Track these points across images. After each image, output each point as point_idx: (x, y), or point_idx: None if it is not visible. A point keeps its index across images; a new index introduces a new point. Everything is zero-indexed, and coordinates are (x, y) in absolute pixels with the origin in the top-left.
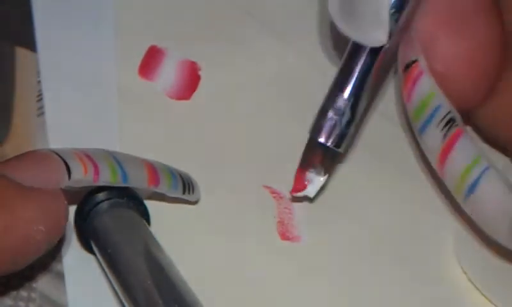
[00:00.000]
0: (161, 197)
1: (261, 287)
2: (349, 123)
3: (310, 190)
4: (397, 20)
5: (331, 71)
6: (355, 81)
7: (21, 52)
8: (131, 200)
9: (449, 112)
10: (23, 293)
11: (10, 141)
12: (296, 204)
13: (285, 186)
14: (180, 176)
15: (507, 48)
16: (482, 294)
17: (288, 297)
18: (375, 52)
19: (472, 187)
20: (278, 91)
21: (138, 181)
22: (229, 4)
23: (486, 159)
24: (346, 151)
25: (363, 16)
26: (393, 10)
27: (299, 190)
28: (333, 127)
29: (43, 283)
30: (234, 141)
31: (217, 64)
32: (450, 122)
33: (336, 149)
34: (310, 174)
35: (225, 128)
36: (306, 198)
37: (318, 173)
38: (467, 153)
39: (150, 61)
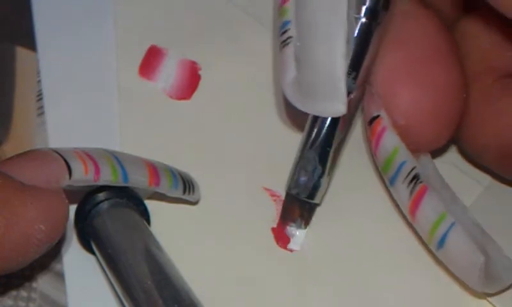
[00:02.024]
0: (161, 197)
1: (261, 287)
2: (320, 176)
3: (294, 244)
4: (355, 78)
5: None
6: (322, 138)
7: (21, 52)
8: (131, 200)
9: (414, 168)
10: (23, 293)
11: (10, 141)
12: None
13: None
14: (181, 176)
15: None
16: (482, 295)
17: (288, 296)
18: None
19: (441, 242)
20: (278, 91)
21: (139, 181)
22: (229, 4)
23: (451, 214)
24: (321, 201)
25: (319, 92)
26: (350, 70)
27: (284, 246)
28: (307, 182)
29: (43, 283)
30: (234, 141)
31: (217, 64)
32: (415, 178)
33: (312, 201)
34: (291, 229)
35: (225, 128)
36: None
37: (298, 226)
38: (433, 210)
39: (150, 60)
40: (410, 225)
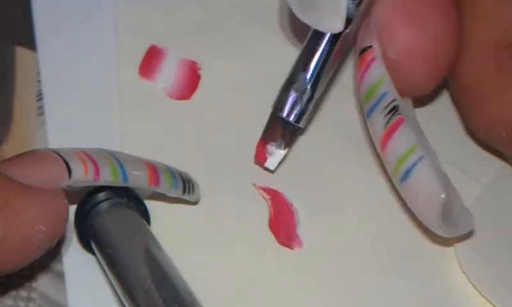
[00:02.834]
0: (161, 197)
1: (261, 287)
2: (309, 100)
3: (271, 163)
4: (358, 5)
5: None
6: (316, 62)
7: (21, 52)
8: (131, 200)
9: (394, 100)
10: (23, 293)
11: (10, 141)
12: (295, 206)
13: (285, 187)
14: (181, 176)
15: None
16: (482, 295)
17: (288, 296)
18: (336, 36)
19: (406, 174)
20: (278, 91)
21: (139, 181)
22: (229, 4)
23: (424, 149)
24: (306, 126)
25: (320, 5)
26: None
27: (260, 162)
28: (294, 103)
29: (43, 282)
30: (234, 141)
31: (217, 64)
32: (394, 110)
33: (296, 124)
34: (270, 148)
35: (225, 128)
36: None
37: (278, 147)
38: (405, 141)
39: (150, 60)
40: (412, 222)
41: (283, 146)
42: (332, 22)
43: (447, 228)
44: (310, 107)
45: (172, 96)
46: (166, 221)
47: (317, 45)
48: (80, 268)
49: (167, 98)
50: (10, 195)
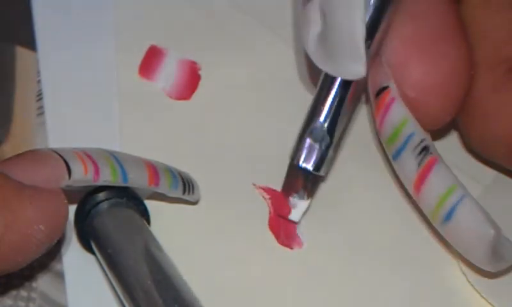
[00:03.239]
0: (161, 197)
1: (261, 287)
2: (327, 146)
3: (295, 215)
4: (368, 47)
5: None
6: (330, 106)
7: (21, 52)
8: (131, 200)
9: (423, 140)
10: (23, 293)
11: (10, 141)
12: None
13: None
14: (180, 176)
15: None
16: (482, 297)
17: (288, 296)
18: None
19: (448, 216)
20: (278, 91)
21: (138, 181)
22: (229, 4)
23: (461, 187)
24: (326, 173)
25: (341, 52)
26: (365, 38)
27: (284, 215)
28: (312, 151)
29: (43, 282)
30: (234, 141)
31: (217, 64)
32: (425, 150)
33: (316, 172)
34: (293, 200)
35: (225, 128)
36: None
37: (301, 197)
38: (442, 182)
39: (150, 60)
40: (412, 223)
41: (305, 196)
42: (354, 68)
43: (495, 263)
44: (329, 153)
45: (172, 96)
46: (166, 221)
47: (330, 90)
48: (80, 268)
49: (167, 98)
50: (10, 194)
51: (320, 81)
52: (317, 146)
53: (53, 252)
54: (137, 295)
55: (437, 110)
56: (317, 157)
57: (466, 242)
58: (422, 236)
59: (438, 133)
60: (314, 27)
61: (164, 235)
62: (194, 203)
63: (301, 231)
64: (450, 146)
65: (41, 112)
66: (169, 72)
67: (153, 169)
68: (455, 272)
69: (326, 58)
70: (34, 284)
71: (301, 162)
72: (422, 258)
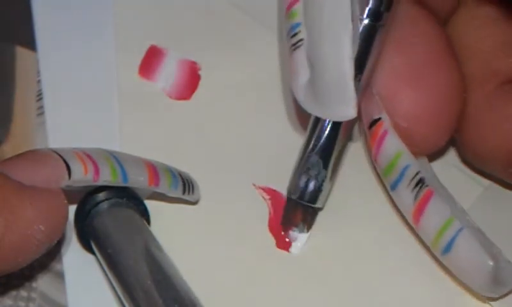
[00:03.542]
0: (161, 197)
1: (261, 287)
2: (323, 179)
3: (296, 248)
4: (359, 80)
5: None
6: (324, 141)
7: (21, 52)
8: (131, 200)
9: (418, 172)
10: (23, 293)
11: (10, 141)
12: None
13: (285, 187)
14: (180, 176)
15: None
16: (482, 296)
17: (288, 296)
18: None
19: (447, 248)
20: (278, 91)
21: (138, 181)
22: (229, 4)
23: (459, 219)
24: (323, 205)
25: (330, 96)
26: (355, 72)
27: (285, 249)
28: (309, 185)
29: (43, 282)
30: (234, 141)
31: (217, 64)
32: (420, 182)
33: (314, 206)
34: (293, 234)
35: (225, 128)
36: None
37: (301, 231)
38: (439, 215)
39: (150, 61)
40: (411, 229)
41: (305, 229)
42: (344, 111)
43: (497, 289)
44: (326, 186)
45: (172, 96)
46: (166, 221)
47: (323, 125)
48: (80, 268)
49: (167, 98)
50: (10, 194)
51: (313, 117)
52: (313, 180)
53: (53, 253)
54: (137, 295)
55: (430, 138)
56: (313, 190)
57: (467, 273)
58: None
59: None
60: (302, 75)
61: (164, 235)
62: (194, 203)
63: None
64: (450, 148)
65: (41, 112)
66: (169, 72)
67: (153, 169)
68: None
69: (316, 102)
70: (34, 285)
71: (298, 197)
72: (421, 261)
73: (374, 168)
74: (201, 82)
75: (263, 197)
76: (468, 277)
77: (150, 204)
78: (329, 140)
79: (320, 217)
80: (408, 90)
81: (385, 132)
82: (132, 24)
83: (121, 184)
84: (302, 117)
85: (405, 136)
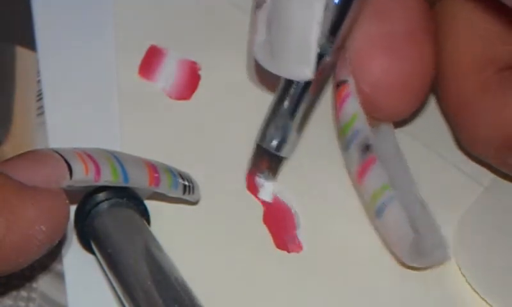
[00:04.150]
0: (161, 197)
1: (261, 286)
2: (290, 131)
3: (264, 195)
4: (332, 42)
5: None
6: (294, 95)
7: (21, 52)
8: (131, 200)
9: (366, 138)
10: (23, 293)
11: (10, 141)
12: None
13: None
14: (181, 176)
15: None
16: (481, 297)
17: (288, 296)
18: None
19: (379, 212)
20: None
21: (139, 181)
22: (229, 4)
23: (393, 189)
24: (289, 155)
25: (289, 55)
26: (328, 35)
27: (253, 194)
28: (276, 134)
29: (43, 283)
30: (234, 141)
31: (217, 64)
32: (366, 148)
33: (279, 154)
34: (259, 180)
35: (225, 128)
36: None
37: (266, 178)
38: (377, 179)
39: (150, 61)
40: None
41: (270, 176)
42: (302, 72)
43: (419, 260)
44: (292, 136)
45: (172, 96)
46: (166, 221)
47: (293, 86)
48: (80, 268)
49: (167, 98)
50: (11, 195)
51: (280, 84)
52: (279, 130)
53: (53, 253)
54: (137, 295)
55: (391, 107)
56: (280, 140)
57: (392, 240)
58: None
59: (438, 133)
60: (261, 34)
61: (164, 235)
62: (195, 203)
63: (301, 234)
64: (451, 147)
65: (41, 112)
66: (169, 72)
67: (154, 169)
68: (454, 271)
69: (275, 61)
70: (34, 285)
71: (265, 144)
72: None
73: None
74: (201, 82)
75: (255, 196)
76: (394, 245)
77: (150, 204)
78: (298, 96)
79: (320, 218)
80: (376, 57)
81: (347, 94)
82: (132, 24)
83: (122, 184)
84: (262, 75)
85: (366, 102)
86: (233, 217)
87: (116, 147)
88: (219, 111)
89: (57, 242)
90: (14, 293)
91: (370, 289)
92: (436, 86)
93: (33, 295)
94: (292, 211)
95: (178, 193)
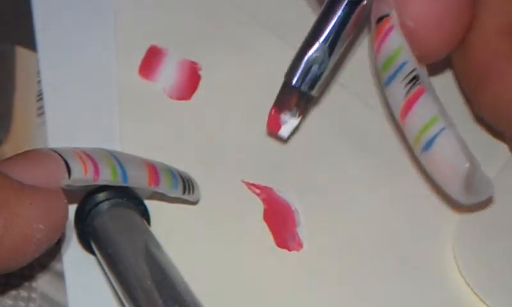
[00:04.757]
0: (161, 197)
1: (261, 286)
2: (323, 68)
3: (284, 132)
4: None
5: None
6: (331, 29)
7: (21, 52)
8: (131, 200)
9: (414, 70)
10: (23, 293)
11: (10, 141)
12: (298, 207)
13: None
14: (180, 176)
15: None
16: (481, 300)
17: (288, 296)
18: (353, 4)
19: (428, 144)
20: (278, 91)
21: (138, 180)
22: (229, 4)
23: (445, 119)
24: (320, 94)
25: None
26: None
27: (274, 131)
28: (308, 71)
29: (43, 282)
30: (234, 141)
31: (217, 64)
32: (414, 79)
33: (310, 92)
34: (284, 116)
35: (225, 128)
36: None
37: (292, 115)
38: (427, 111)
39: (150, 61)
40: (411, 225)
41: (297, 114)
42: None
43: (468, 195)
44: (324, 74)
45: (172, 96)
46: (166, 221)
47: (334, 11)
48: (80, 268)
49: (167, 98)
50: (10, 194)
51: (325, 3)
52: (315, 66)
53: (53, 252)
54: (137, 295)
55: (433, 43)
56: (312, 77)
57: (442, 172)
58: (422, 239)
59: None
60: None
61: (164, 235)
62: (195, 202)
63: (301, 231)
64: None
65: (41, 112)
66: (169, 72)
67: (153, 169)
68: (453, 273)
69: None
70: (34, 284)
71: (295, 81)
72: (422, 260)
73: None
74: (201, 82)
75: (254, 192)
76: (442, 177)
77: (150, 204)
78: (338, 29)
79: (320, 215)
80: None
81: (391, 27)
82: (132, 24)
83: (121, 184)
84: None
85: (410, 37)
86: (233, 217)
87: (115, 147)
88: (219, 111)
89: (55, 241)
90: (14, 293)
91: (370, 288)
92: (455, 53)
93: (33, 295)
94: (293, 208)
95: (178, 193)
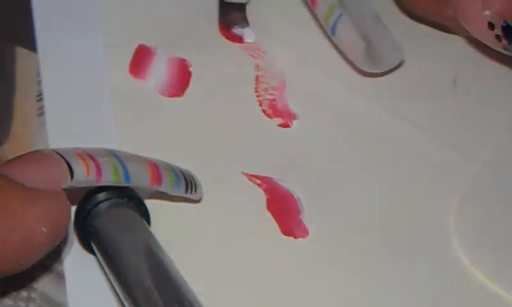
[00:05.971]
0: (163, 195)
1: (262, 286)
2: None
3: (250, 38)
4: None
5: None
6: None
7: (21, 52)
8: (131, 200)
9: None
10: (23, 293)
11: (10, 141)
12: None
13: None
14: (183, 174)
15: None
16: (483, 276)
17: (289, 295)
18: None
19: (333, 31)
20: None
21: (141, 180)
22: (216, 1)
23: (340, 7)
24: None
25: None
26: None
27: (238, 42)
28: None
29: (43, 283)
30: (231, 134)
31: (208, 60)
32: None
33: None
34: (237, 30)
35: (220, 122)
36: None
37: (243, 26)
38: (326, 2)
39: (140, 59)
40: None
41: (245, 23)
42: None
43: (374, 66)
44: None
45: (164, 93)
46: (166, 221)
47: None
48: (80, 268)
49: (159, 95)
50: (12, 197)
51: None
52: None
53: (53, 253)
54: (137, 295)
55: None
56: None
57: (348, 51)
58: (427, 225)
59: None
60: None
61: (164, 235)
62: (197, 201)
63: (305, 219)
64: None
65: (41, 112)
66: (159, 70)
67: (156, 168)
68: (456, 252)
69: None
70: (34, 285)
71: None
72: (427, 245)
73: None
74: (193, 79)
75: (256, 184)
76: (350, 57)
77: (151, 203)
78: None
79: (326, 203)
80: None
81: None
82: (122, 23)
83: (124, 184)
84: None
85: None
86: (236, 210)
87: (115, 147)
88: (212, 106)
89: (58, 243)
90: (14, 293)
91: (376, 273)
92: None
93: (33, 295)
94: (295, 196)
95: (180, 192)
